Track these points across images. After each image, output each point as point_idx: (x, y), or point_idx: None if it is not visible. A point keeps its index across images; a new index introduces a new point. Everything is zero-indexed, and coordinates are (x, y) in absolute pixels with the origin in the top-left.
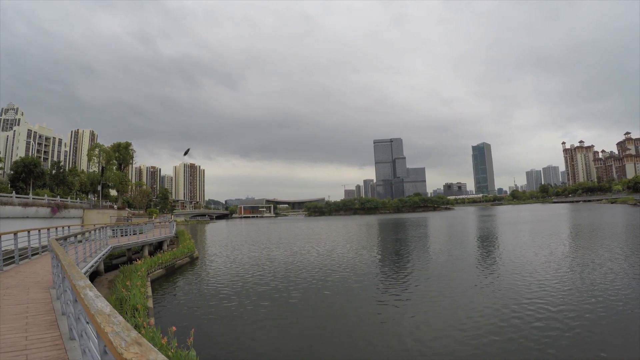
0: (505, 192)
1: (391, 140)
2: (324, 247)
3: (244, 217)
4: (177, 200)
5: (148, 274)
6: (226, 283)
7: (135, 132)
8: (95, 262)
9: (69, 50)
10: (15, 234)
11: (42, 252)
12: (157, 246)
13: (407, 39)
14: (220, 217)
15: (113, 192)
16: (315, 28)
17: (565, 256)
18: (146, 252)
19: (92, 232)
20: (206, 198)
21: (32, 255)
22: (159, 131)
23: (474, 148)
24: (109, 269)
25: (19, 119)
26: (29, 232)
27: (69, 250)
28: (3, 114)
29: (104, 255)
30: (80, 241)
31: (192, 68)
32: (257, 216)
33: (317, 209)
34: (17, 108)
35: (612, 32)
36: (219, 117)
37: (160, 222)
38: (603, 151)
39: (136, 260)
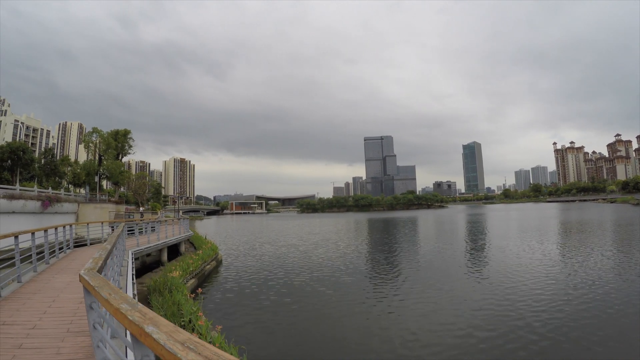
0: (494, 191)
1: (382, 138)
2: (343, 247)
3: (235, 213)
4: (168, 196)
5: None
6: (274, 292)
7: (117, 124)
8: (133, 285)
9: (45, 33)
10: None
11: (38, 264)
12: (173, 248)
13: (400, 29)
14: (210, 213)
15: (104, 185)
16: (303, 14)
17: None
18: (165, 256)
19: (112, 234)
20: (195, 194)
21: (22, 274)
22: (143, 123)
23: (464, 147)
24: None
25: (5, 110)
26: (16, 237)
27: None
28: None
29: (132, 269)
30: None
31: (176, 55)
32: (248, 212)
33: (310, 205)
34: (4, 100)
35: (611, 32)
36: (204, 110)
37: (175, 219)
38: (594, 152)
39: (160, 267)
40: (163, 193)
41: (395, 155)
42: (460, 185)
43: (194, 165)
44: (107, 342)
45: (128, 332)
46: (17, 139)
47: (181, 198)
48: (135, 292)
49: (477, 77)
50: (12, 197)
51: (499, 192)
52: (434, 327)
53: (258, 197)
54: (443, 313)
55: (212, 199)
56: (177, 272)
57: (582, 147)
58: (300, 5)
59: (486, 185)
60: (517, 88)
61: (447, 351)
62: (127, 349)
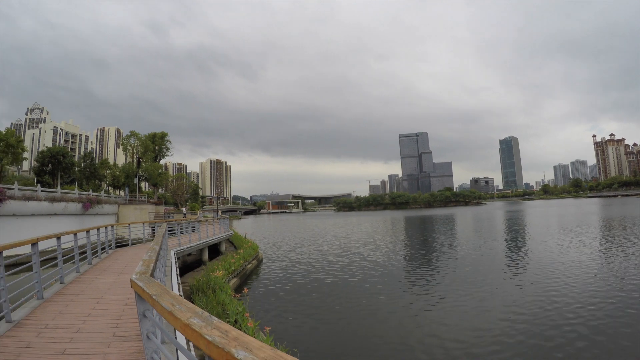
0: (532, 186)
1: (417, 135)
2: (383, 245)
3: (272, 212)
4: (206, 196)
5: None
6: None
7: (153, 129)
8: (179, 285)
9: (79, 43)
10: (33, 244)
11: (81, 265)
12: (213, 248)
13: (430, 23)
14: (247, 212)
15: (143, 187)
16: (332, 11)
17: None
18: (206, 255)
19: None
20: (232, 194)
21: (65, 275)
22: (178, 127)
23: (501, 142)
24: None
25: (45, 118)
26: (59, 237)
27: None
28: (29, 113)
29: (176, 269)
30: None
31: (207, 59)
32: (285, 211)
33: (347, 204)
34: (43, 108)
35: None
36: (237, 111)
37: (215, 219)
38: (635, 144)
39: (202, 266)
40: (200, 194)
41: (431, 152)
42: (498, 181)
43: (230, 166)
44: (162, 353)
45: (191, 344)
46: (57, 145)
47: (218, 198)
48: (181, 292)
49: (510, 69)
50: (53, 200)
51: (538, 188)
52: (477, 330)
53: (294, 197)
54: (486, 315)
55: (249, 198)
56: (220, 272)
57: (622, 140)
58: (328, 3)
59: (524, 181)
60: (552, 79)
61: (489, 354)
62: (178, 352)
